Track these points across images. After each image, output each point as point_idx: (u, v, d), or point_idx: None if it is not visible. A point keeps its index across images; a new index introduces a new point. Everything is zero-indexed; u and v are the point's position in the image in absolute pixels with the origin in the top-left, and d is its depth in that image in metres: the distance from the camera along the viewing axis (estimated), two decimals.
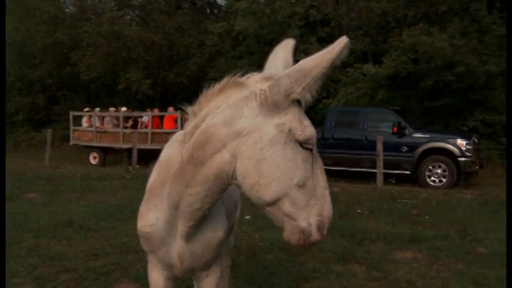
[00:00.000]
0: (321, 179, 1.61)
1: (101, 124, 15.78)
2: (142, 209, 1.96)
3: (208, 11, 24.66)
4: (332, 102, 15.00)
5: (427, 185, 10.97)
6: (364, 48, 16.42)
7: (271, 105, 1.54)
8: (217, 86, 1.67)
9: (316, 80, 1.52)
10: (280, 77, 1.53)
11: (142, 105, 21.74)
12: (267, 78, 1.61)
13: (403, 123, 11.55)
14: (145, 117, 15.32)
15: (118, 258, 4.71)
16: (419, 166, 11.27)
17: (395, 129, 11.42)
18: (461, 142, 11.04)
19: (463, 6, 14.55)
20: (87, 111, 16.13)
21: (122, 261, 4.60)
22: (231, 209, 2.35)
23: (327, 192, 1.63)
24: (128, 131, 15.26)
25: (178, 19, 19.99)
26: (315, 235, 1.59)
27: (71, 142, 16.59)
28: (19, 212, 6.84)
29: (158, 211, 1.89)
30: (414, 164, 11.36)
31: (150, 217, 1.92)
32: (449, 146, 11.04)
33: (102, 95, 23.51)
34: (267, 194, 1.54)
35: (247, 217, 5.13)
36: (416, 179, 11.39)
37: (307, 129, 1.57)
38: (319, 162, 1.63)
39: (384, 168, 10.70)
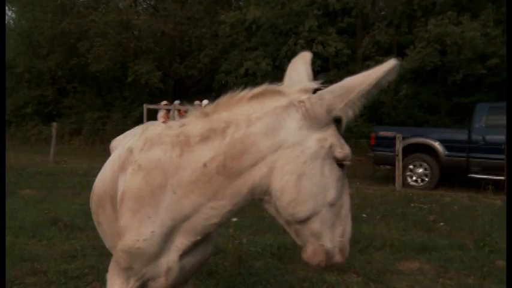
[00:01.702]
0: (346, 200, 1.65)
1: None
2: (130, 221, 1.74)
3: (223, 0, 24.57)
4: None
5: None
6: (387, 40, 16.01)
7: (313, 119, 1.55)
8: (249, 92, 1.63)
9: (360, 97, 1.53)
10: (323, 92, 1.56)
11: (154, 98, 21.89)
12: (306, 90, 1.61)
13: None
14: (206, 102, 14.29)
15: (96, 260, 4.61)
16: None
17: None
18: None
19: None
20: (164, 105, 14.69)
21: (99, 264, 4.49)
22: None
23: (349, 214, 1.67)
24: None
25: (191, 8, 19.95)
26: (337, 257, 1.65)
27: None
28: (8, 209, 6.85)
29: (152, 224, 1.72)
30: None
31: (143, 231, 1.73)
32: None
33: (113, 87, 23.74)
34: (302, 211, 1.55)
35: (234, 219, 4.96)
36: None
37: (345, 147, 1.60)
38: (346, 181, 1.66)
39: None
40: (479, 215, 7.36)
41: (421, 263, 4.86)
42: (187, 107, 14.30)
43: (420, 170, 11.04)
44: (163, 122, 12.35)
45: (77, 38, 20.39)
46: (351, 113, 1.55)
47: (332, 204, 1.58)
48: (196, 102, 14.66)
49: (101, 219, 2.08)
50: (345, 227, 1.64)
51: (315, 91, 1.59)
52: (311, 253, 1.63)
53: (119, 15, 18.45)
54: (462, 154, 10.48)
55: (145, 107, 14.65)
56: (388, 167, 11.65)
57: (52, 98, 23.32)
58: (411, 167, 11.08)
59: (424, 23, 13.65)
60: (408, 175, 11.06)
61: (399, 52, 15.28)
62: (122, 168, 1.86)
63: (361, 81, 1.54)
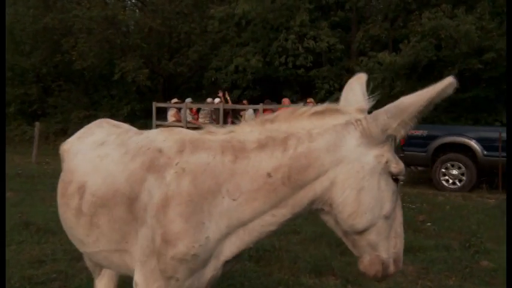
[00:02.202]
0: (399, 213, 1.82)
1: (195, 119, 13.74)
2: (184, 227, 1.76)
3: None
4: None
5: None
6: (382, 35, 16.01)
7: (370, 137, 1.72)
8: (311, 109, 1.82)
9: (412, 117, 1.68)
10: (379, 112, 1.73)
11: (142, 96, 21.83)
12: (362, 110, 1.80)
13: None
14: (251, 111, 13.29)
15: (65, 265, 4.60)
16: None
17: None
18: None
19: None
20: (175, 103, 14.22)
21: (68, 269, 4.49)
22: None
23: (402, 227, 1.84)
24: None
25: (180, 3, 19.90)
26: (392, 268, 1.82)
27: None
28: None
29: (206, 229, 1.78)
30: None
31: (198, 237, 1.77)
32: None
33: (100, 86, 23.67)
34: (361, 222, 1.72)
35: None
36: None
37: (400, 163, 1.77)
38: (399, 195, 1.83)
39: None
40: (470, 214, 7.39)
41: (404, 264, 4.80)
42: (200, 105, 14.11)
43: (455, 172, 10.47)
44: (174, 121, 12.01)
45: (61, 34, 20.27)
46: (403, 132, 1.71)
47: (387, 217, 1.75)
48: (209, 99, 14.43)
49: (102, 220, 2.06)
50: (398, 239, 1.81)
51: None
52: (368, 263, 1.81)
53: (104, 10, 18.36)
54: (502, 154, 9.78)
55: (155, 105, 14.43)
56: (420, 168, 11.22)
57: (36, 97, 23.17)
58: (444, 169, 10.51)
59: (418, 17, 13.65)
60: (442, 177, 10.52)
61: (394, 47, 15.30)
62: (152, 169, 1.88)
63: (415, 101, 1.67)
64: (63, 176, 2.42)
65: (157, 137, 2.02)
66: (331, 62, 17.28)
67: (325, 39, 15.82)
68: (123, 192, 1.97)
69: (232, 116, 13.40)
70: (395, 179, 1.76)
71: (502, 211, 7.75)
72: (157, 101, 15.35)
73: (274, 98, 18.00)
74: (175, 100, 14.49)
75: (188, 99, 14.40)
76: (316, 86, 16.81)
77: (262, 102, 13.45)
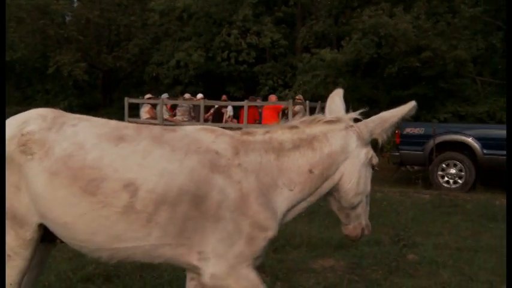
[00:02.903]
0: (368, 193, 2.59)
1: (171, 116, 13.18)
2: (268, 213, 2.32)
3: None
4: (288, 94, 14.91)
5: None
6: (326, 31, 16.41)
7: (362, 139, 2.47)
8: (325, 117, 2.52)
9: (391, 127, 2.49)
10: (368, 121, 2.51)
11: (80, 91, 21.21)
12: (353, 119, 2.54)
13: None
14: (230, 108, 13.14)
15: None
16: None
17: None
18: None
19: None
20: (148, 98, 13.61)
21: None
22: None
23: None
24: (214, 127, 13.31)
25: None
26: (367, 232, 2.64)
27: None
28: None
29: (277, 214, 2.38)
30: None
31: (277, 220, 2.37)
32: None
33: (34, 79, 22.83)
34: (356, 200, 2.46)
35: None
36: None
37: (376, 157, 2.55)
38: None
39: None
40: (405, 210, 7.73)
41: (336, 260, 5.04)
42: (179, 101, 13.40)
43: (453, 171, 10.28)
44: (149, 118, 11.49)
45: None
46: (384, 136, 2.51)
47: (367, 196, 2.55)
48: (186, 95, 13.89)
49: (162, 216, 2.23)
50: (368, 211, 2.62)
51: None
52: (352, 229, 2.58)
53: None
54: (502, 152, 9.61)
55: (127, 100, 13.56)
56: (416, 167, 10.97)
57: None
58: (443, 166, 10.34)
59: (360, 14, 14.10)
60: (440, 176, 10.33)
61: (338, 43, 15.74)
62: (216, 170, 2.27)
63: (393, 115, 2.49)
64: (77, 173, 2.26)
65: (202, 136, 2.38)
66: (275, 58, 17.52)
67: (269, 35, 16.02)
68: (187, 189, 2.22)
69: (214, 112, 13.09)
70: (373, 168, 2.54)
71: (434, 206, 8.23)
72: (97, 96, 14.84)
73: (217, 94, 18.07)
74: (148, 96, 13.86)
75: (164, 95, 13.79)
76: (260, 82, 16.99)
77: (243, 98, 13.27)
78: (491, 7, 14.62)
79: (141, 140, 2.33)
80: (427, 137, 10.57)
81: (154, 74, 18.45)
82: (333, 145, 2.42)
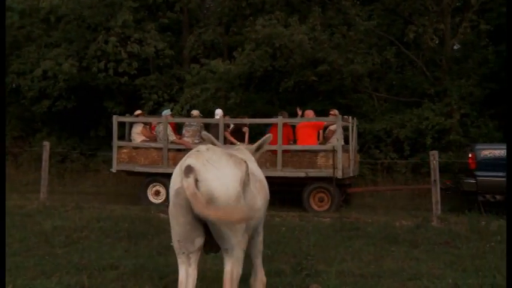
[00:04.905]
0: None
1: (177, 135, 12.18)
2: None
3: None
4: (174, 108, 14.75)
5: None
6: (216, 40, 16.59)
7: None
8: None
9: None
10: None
11: None
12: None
13: None
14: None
15: None
16: None
17: None
18: None
19: None
20: (137, 115, 12.52)
21: None
22: None
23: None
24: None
25: None
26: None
27: (114, 168, 12.18)
28: None
29: None
30: None
31: None
32: None
33: None
34: None
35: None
36: None
37: None
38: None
39: None
40: (305, 235, 7.94)
41: None
42: (187, 119, 12.44)
43: None
44: (144, 140, 10.66)
45: None
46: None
47: None
48: (194, 111, 12.76)
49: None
50: None
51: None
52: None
53: None
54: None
55: (116, 119, 12.32)
56: (498, 197, 10.23)
57: None
58: None
59: (253, 23, 14.41)
60: None
61: (230, 54, 15.96)
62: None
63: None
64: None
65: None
66: (159, 69, 17.28)
67: (153, 44, 15.78)
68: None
69: (232, 133, 12.12)
70: None
71: (336, 230, 8.57)
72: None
73: (93, 109, 17.40)
74: (138, 112, 12.79)
75: (166, 111, 12.55)
76: (143, 96, 16.62)
77: (275, 115, 12.28)
78: (384, 21, 15.78)
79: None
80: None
81: (14, 85, 17.24)
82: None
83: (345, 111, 15.50)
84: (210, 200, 3.37)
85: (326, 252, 6.84)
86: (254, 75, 15.12)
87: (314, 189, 11.27)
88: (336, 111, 12.16)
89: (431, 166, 9.93)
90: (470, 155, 10.98)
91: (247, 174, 3.67)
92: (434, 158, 9.91)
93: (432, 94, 15.04)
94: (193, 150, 3.75)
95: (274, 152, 11.26)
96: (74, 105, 16.96)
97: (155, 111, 16.40)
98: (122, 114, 15.02)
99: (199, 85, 14.64)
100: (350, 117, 11.85)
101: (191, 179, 3.34)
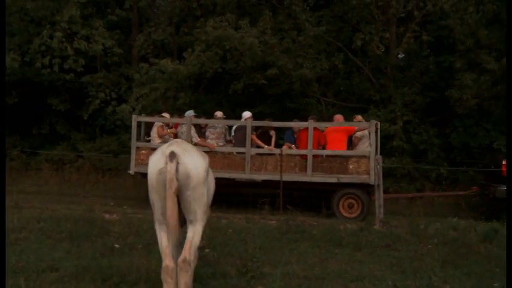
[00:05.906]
0: None
1: (201, 137, 11.57)
2: None
3: None
4: (125, 108, 14.52)
5: None
6: (166, 40, 16.46)
7: None
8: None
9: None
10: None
11: None
12: None
13: None
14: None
15: None
16: None
17: None
18: None
19: None
20: (160, 116, 12.01)
21: None
22: None
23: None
24: (265, 150, 11.32)
25: None
26: None
27: (132, 169, 11.54)
28: None
29: None
30: None
31: None
32: None
33: None
34: None
35: None
36: None
37: None
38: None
39: None
40: (251, 237, 7.99)
41: None
42: (211, 120, 11.76)
43: None
44: (163, 141, 11.41)
45: None
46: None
47: None
48: (217, 113, 12.23)
49: None
50: None
51: None
52: None
53: None
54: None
55: (136, 119, 11.64)
56: None
57: None
58: None
59: (204, 24, 14.43)
60: None
61: (180, 55, 15.87)
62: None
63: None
64: None
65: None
66: (107, 67, 16.99)
67: (101, 41, 15.48)
68: None
69: (260, 134, 11.62)
70: None
71: (281, 232, 8.68)
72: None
73: (37, 106, 16.89)
74: (165, 114, 12.24)
75: (189, 112, 11.86)
76: (90, 94, 16.29)
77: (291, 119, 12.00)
78: (333, 28, 16.13)
79: None
80: None
81: None
82: None
83: (293, 114, 15.77)
84: (186, 178, 4.30)
85: (272, 254, 6.92)
86: (204, 76, 15.12)
87: (344, 196, 10.95)
88: (360, 117, 12.06)
89: (375, 171, 10.23)
90: (504, 162, 10.89)
91: (208, 164, 4.74)
92: (378, 163, 10.22)
93: (377, 100, 15.52)
94: (172, 141, 4.82)
95: (304, 156, 11.10)
96: (16, 101, 16.37)
97: (102, 110, 16.13)
98: (67, 112, 14.63)
99: (148, 84, 14.49)
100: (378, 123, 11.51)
101: (174, 164, 4.20)
